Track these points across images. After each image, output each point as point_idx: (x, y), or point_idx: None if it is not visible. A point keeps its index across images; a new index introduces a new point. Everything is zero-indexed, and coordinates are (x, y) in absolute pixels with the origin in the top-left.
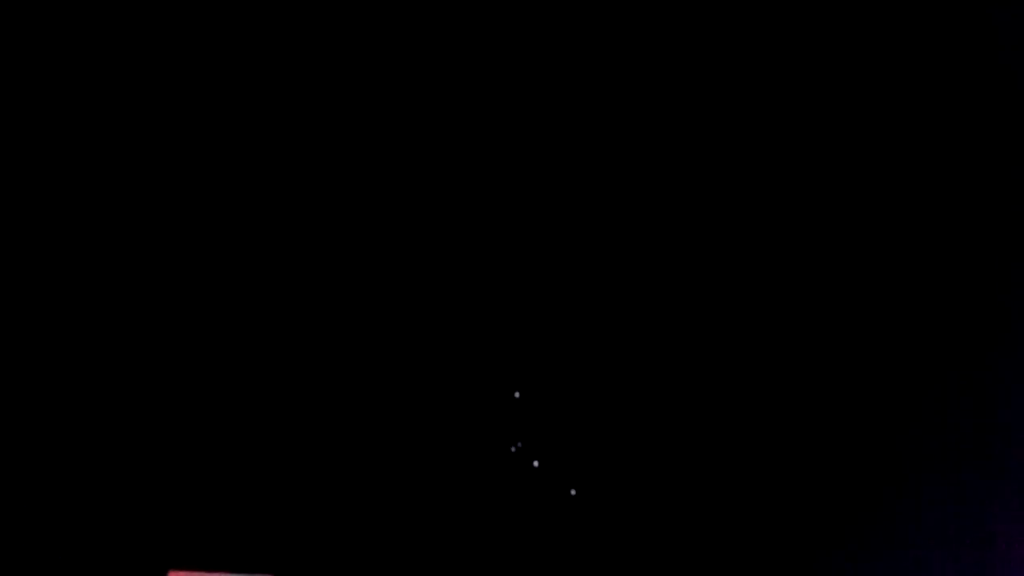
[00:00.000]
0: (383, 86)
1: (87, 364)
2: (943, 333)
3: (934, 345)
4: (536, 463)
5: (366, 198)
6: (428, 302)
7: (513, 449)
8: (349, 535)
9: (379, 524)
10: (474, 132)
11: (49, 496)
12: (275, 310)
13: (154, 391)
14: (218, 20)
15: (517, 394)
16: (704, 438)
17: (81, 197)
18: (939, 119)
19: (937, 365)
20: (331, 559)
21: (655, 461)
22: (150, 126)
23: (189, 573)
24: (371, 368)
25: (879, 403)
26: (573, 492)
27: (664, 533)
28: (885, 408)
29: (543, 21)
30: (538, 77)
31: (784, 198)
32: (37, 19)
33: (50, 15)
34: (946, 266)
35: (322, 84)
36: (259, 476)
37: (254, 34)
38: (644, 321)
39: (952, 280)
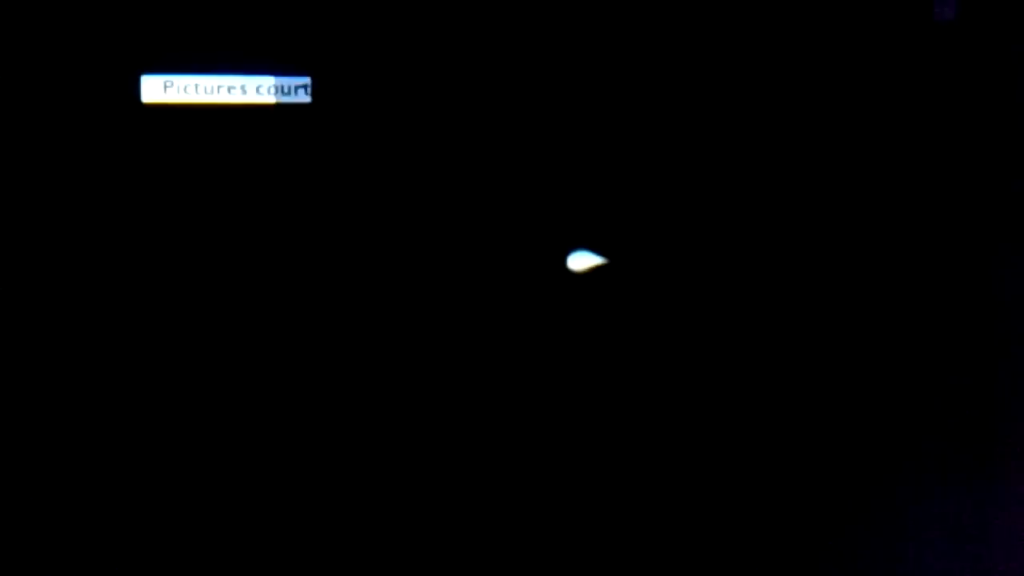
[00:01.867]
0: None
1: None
2: (942, 332)
3: (933, 343)
4: None
5: (366, 196)
6: (428, 302)
7: None
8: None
9: (378, 524)
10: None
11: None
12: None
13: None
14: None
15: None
16: (702, 437)
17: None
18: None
19: (936, 364)
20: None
21: (655, 460)
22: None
23: None
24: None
25: (878, 402)
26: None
27: (664, 532)
28: (884, 407)
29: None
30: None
31: (783, 195)
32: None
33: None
34: (944, 264)
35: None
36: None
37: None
38: (643, 320)
39: (951, 279)
